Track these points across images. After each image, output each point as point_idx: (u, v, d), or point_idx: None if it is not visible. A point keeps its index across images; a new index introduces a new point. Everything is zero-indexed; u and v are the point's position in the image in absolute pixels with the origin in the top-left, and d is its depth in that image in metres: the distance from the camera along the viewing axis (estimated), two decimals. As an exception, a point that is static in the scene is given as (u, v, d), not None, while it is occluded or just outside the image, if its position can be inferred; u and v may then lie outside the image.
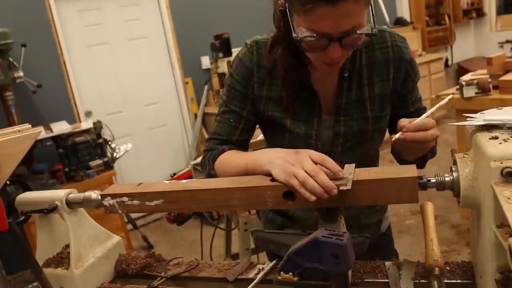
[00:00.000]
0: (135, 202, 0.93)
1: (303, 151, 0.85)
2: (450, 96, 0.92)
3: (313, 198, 0.77)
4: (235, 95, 1.10)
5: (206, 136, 4.55)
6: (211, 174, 1.09)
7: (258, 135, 1.35)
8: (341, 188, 0.76)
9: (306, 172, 0.79)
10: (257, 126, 1.17)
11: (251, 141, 1.20)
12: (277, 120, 1.07)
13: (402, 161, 1.08)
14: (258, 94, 1.08)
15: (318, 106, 1.04)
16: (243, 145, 1.13)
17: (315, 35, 0.85)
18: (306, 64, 1.02)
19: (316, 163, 0.81)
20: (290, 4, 0.88)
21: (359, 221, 1.17)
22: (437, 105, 0.87)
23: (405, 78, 1.05)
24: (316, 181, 0.77)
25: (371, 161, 1.17)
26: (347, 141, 1.05)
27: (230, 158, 1.05)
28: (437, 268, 0.80)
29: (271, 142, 1.13)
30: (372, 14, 0.88)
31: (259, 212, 1.50)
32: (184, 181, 0.95)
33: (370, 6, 0.88)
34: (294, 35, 0.89)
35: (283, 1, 0.91)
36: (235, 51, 5.26)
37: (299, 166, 0.80)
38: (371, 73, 1.03)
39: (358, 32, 0.86)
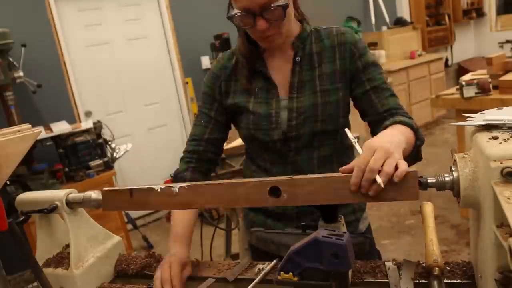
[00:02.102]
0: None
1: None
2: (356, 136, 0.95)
3: None
4: (204, 99, 1.25)
5: (206, 136, 4.58)
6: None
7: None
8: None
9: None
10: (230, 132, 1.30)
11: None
12: (241, 106, 1.19)
13: None
14: (226, 90, 1.22)
15: (275, 89, 1.17)
16: (216, 144, 1.25)
17: (240, 11, 1.03)
18: (262, 53, 1.19)
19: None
20: None
21: None
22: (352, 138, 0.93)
23: (351, 57, 1.16)
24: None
25: (343, 151, 1.22)
26: (300, 114, 1.14)
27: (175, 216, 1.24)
28: (437, 268, 0.80)
29: (241, 128, 1.24)
30: None
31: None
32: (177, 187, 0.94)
33: None
34: (227, 14, 1.07)
35: None
36: (235, 51, 5.16)
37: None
38: (320, 57, 1.17)
39: (273, 5, 1.01)
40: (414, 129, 1.02)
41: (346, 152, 1.24)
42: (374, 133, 1.15)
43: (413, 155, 1.03)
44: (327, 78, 1.15)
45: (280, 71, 1.19)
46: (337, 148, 1.20)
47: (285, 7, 1.02)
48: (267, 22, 1.03)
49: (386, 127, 0.99)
